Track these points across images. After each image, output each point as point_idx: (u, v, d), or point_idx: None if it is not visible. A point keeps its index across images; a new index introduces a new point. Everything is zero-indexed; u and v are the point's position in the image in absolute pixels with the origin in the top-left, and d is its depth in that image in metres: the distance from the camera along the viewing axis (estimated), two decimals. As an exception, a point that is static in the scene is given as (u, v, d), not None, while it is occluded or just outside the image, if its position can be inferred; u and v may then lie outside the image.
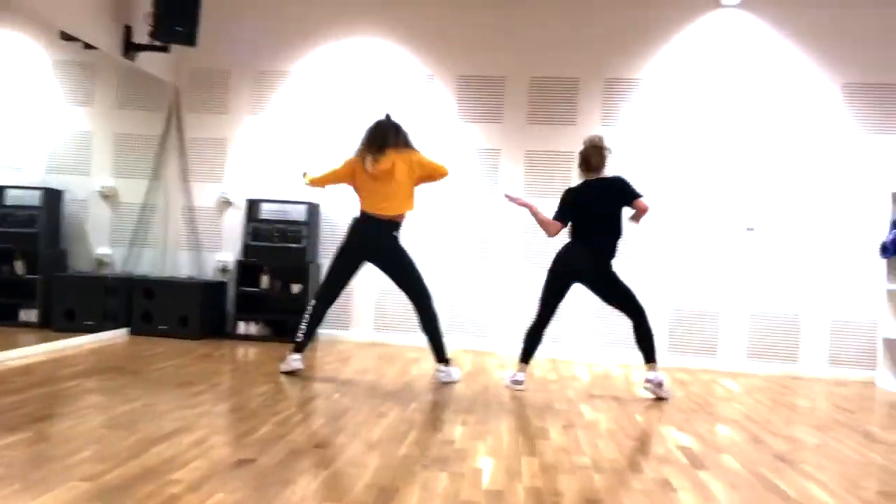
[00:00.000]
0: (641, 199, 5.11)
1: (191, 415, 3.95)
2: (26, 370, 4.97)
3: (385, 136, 5.23)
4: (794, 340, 6.74)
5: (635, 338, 5.25)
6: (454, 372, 5.40)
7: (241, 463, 3.12)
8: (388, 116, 5.40)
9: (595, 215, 5.16)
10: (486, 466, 3.29)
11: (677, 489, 3.11)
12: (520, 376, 5.29)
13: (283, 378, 5.15)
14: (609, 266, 5.24)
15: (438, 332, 5.34)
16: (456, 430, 3.93)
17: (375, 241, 5.27)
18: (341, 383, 5.12)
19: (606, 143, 5.24)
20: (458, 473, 3.16)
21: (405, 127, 5.38)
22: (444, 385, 5.25)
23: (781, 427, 4.53)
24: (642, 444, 3.87)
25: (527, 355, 5.29)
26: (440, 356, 5.34)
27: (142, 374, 5.01)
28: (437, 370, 5.37)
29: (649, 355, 5.23)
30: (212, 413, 4.03)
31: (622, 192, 5.13)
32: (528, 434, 3.96)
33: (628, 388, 5.63)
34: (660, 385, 5.19)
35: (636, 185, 5.17)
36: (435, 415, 4.29)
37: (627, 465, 3.45)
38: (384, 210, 5.21)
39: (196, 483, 2.83)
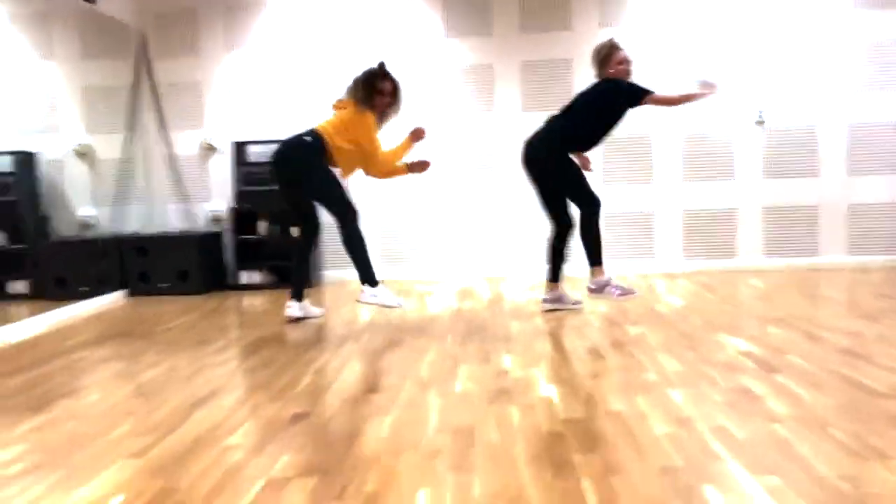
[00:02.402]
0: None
1: (221, 374, 3.69)
2: (31, 344, 4.68)
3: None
4: (812, 231, 6.57)
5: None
6: (383, 295, 4.78)
7: (297, 418, 2.88)
8: (381, 65, 4.81)
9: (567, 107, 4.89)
10: (554, 394, 3.07)
11: (762, 396, 2.92)
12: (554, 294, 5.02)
13: (304, 324, 4.89)
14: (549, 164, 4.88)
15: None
16: (505, 360, 3.70)
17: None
18: (367, 324, 4.87)
19: (602, 44, 4.90)
20: (528, 405, 2.94)
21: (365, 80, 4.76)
22: (380, 308, 4.89)
23: (831, 321, 4.36)
24: (702, 354, 3.67)
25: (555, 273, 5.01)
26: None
27: (154, 336, 4.73)
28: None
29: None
30: (242, 369, 3.79)
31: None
32: (581, 356, 3.75)
33: (656, 297, 5.43)
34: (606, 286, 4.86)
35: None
36: (476, 346, 4.06)
37: (698, 377, 3.25)
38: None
39: (256, 446, 2.58)
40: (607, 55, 4.82)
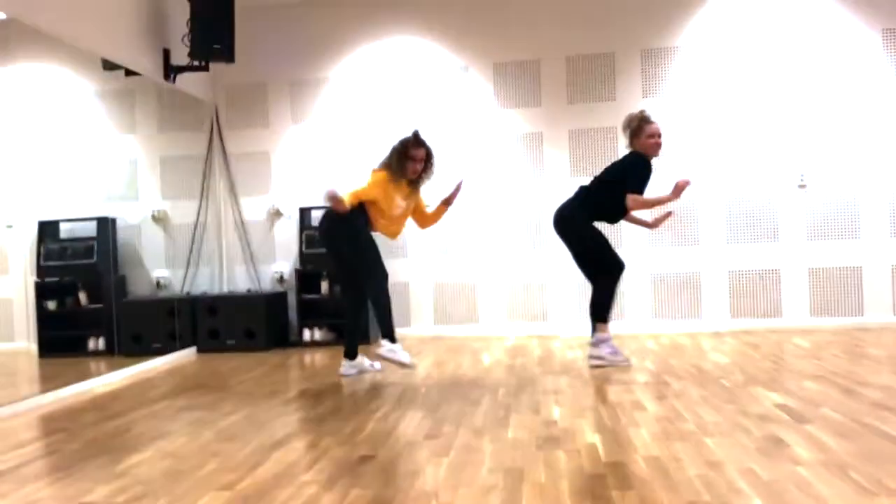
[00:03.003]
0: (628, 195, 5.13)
1: (293, 420, 4.04)
2: (115, 395, 5.09)
3: None
4: (857, 292, 6.74)
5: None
6: (400, 352, 5.06)
7: (363, 459, 3.20)
8: (415, 133, 5.20)
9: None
10: (597, 441, 3.35)
11: (790, 444, 3.16)
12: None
13: (367, 378, 5.24)
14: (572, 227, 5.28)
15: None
16: (554, 411, 3.99)
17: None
18: (423, 377, 5.19)
19: (633, 116, 5.25)
20: (573, 450, 3.22)
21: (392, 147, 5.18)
22: (396, 365, 5.11)
23: (868, 377, 4.55)
24: (739, 407, 3.91)
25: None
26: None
27: (228, 389, 5.11)
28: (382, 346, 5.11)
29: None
30: (311, 417, 4.12)
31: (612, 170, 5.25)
32: (625, 408, 4.01)
33: (702, 355, 5.66)
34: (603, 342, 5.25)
35: (636, 176, 5.15)
36: (527, 398, 4.35)
37: (732, 426, 3.50)
38: None
39: (328, 482, 2.91)
40: (638, 129, 5.15)
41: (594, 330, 5.28)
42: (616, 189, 5.13)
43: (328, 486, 2.86)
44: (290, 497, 2.75)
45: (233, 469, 3.14)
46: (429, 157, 5.15)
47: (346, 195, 4.87)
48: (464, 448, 3.32)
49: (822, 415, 3.63)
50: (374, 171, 5.12)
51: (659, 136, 5.16)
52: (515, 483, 2.81)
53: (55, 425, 4.22)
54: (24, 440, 3.93)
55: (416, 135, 5.13)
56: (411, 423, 3.83)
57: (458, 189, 5.38)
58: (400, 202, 5.13)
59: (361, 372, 5.38)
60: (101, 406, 4.72)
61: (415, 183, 5.19)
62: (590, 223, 5.26)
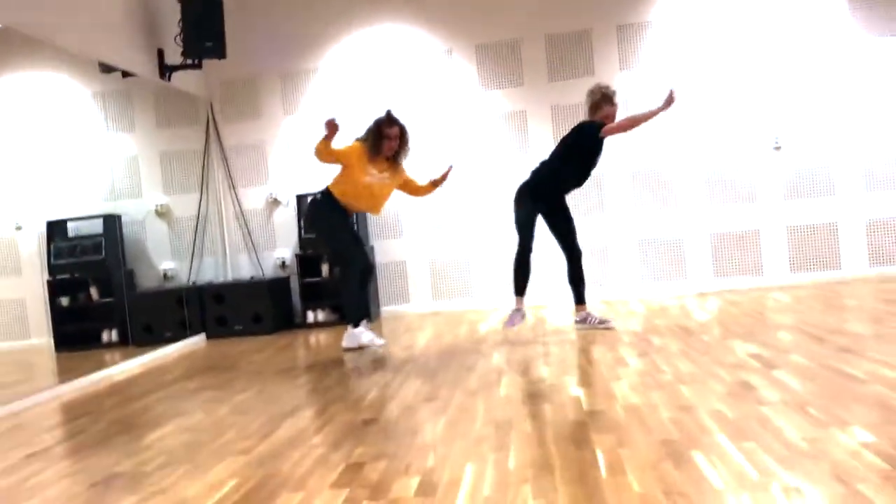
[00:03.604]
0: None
1: (302, 393, 4.34)
2: (132, 382, 5.39)
3: None
4: (834, 247, 7.03)
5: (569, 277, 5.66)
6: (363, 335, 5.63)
7: (367, 422, 3.50)
8: (387, 112, 5.53)
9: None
10: (581, 394, 3.64)
11: (757, 387, 3.45)
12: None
13: (369, 351, 5.53)
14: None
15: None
16: (542, 370, 4.29)
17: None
18: (422, 348, 5.49)
19: (594, 90, 5.47)
20: (559, 403, 3.51)
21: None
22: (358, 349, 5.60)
23: (838, 325, 4.85)
24: (714, 357, 4.20)
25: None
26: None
27: (238, 370, 5.40)
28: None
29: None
30: (319, 389, 4.42)
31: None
32: (609, 364, 4.31)
33: (686, 315, 5.95)
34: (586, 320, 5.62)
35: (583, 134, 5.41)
36: (518, 361, 4.65)
37: (707, 375, 3.79)
38: None
39: (336, 442, 3.20)
40: (597, 104, 5.38)
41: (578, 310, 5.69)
42: (569, 160, 5.42)
43: (335, 446, 3.16)
44: (301, 457, 3.04)
45: (247, 437, 3.43)
46: (403, 134, 5.47)
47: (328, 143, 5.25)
48: (459, 407, 3.62)
49: (791, 361, 3.93)
50: (354, 140, 5.50)
51: (614, 117, 5.38)
52: (505, 433, 3.11)
53: (78, 411, 4.51)
54: (51, 425, 4.23)
55: (388, 114, 5.47)
56: (411, 389, 4.13)
57: (447, 173, 5.70)
58: (372, 171, 5.44)
59: (362, 346, 5.66)
60: (120, 391, 5.02)
61: (394, 159, 5.52)
62: (546, 198, 5.57)
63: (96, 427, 3.99)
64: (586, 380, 3.96)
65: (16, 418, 4.45)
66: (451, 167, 5.77)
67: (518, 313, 5.57)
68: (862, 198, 6.97)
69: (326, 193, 5.50)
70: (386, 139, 5.40)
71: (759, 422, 2.93)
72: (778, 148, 7.07)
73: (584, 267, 5.68)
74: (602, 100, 5.38)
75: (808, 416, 2.93)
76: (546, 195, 5.54)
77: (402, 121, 5.49)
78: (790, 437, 2.72)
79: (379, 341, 5.72)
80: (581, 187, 5.67)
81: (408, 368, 4.76)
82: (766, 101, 7.09)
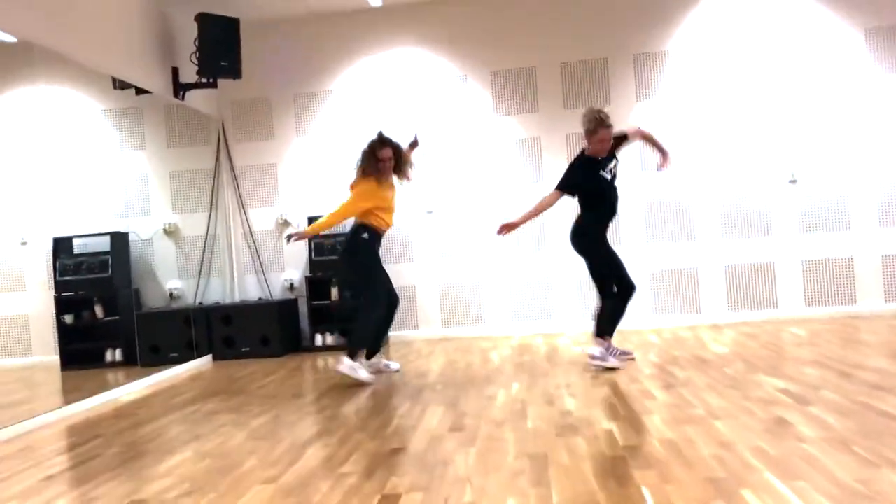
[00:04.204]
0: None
1: (320, 419, 4.24)
2: (141, 403, 5.28)
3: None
4: (849, 282, 6.98)
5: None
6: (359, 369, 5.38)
7: (395, 452, 3.41)
8: (378, 134, 5.54)
9: None
10: (614, 428, 3.56)
11: (794, 423, 3.37)
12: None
13: (382, 378, 5.43)
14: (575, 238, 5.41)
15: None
16: (568, 402, 4.20)
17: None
18: (437, 376, 5.40)
19: (590, 116, 5.17)
20: (591, 436, 3.43)
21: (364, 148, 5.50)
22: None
23: (861, 361, 4.78)
24: (743, 392, 4.12)
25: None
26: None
27: (251, 393, 5.30)
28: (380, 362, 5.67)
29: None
30: (338, 416, 4.32)
31: None
32: (635, 396, 4.23)
33: (703, 346, 5.87)
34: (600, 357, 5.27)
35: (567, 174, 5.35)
36: (540, 391, 4.56)
37: (739, 410, 3.71)
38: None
39: (366, 472, 3.11)
40: (592, 130, 5.12)
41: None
42: (576, 193, 5.31)
43: (366, 475, 3.06)
44: (332, 487, 2.95)
45: (272, 465, 3.34)
46: (396, 152, 5.48)
47: (344, 209, 5.41)
48: (487, 438, 3.53)
49: (823, 397, 3.85)
50: (360, 179, 5.45)
51: (609, 140, 5.16)
52: (541, 467, 3.02)
53: (90, 432, 4.40)
54: (63, 447, 4.12)
55: (379, 135, 5.50)
56: (434, 418, 4.04)
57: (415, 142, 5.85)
58: (388, 195, 5.52)
59: (378, 371, 5.57)
60: (130, 413, 4.91)
61: (398, 172, 5.54)
62: (583, 237, 5.36)
63: (110, 451, 3.89)
64: (615, 413, 3.88)
65: (26, 438, 4.35)
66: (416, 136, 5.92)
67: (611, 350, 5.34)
68: (877, 233, 6.93)
69: (365, 227, 5.45)
70: (381, 161, 5.43)
71: (804, 460, 2.85)
72: (794, 181, 7.04)
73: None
74: (597, 125, 5.11)
75: (855, 456, 2.85)
76: (587, 236, 5.39)
77: (395, 139, 5.51)
78: (841, 476, 2.64)
79: (394, 366, 5.65)
80: (614, 200, 5.44)
81: (426, 396, 4.67)
82: (783, 135, 7.07)
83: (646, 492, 2.63)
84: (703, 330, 6.80)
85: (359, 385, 5.21)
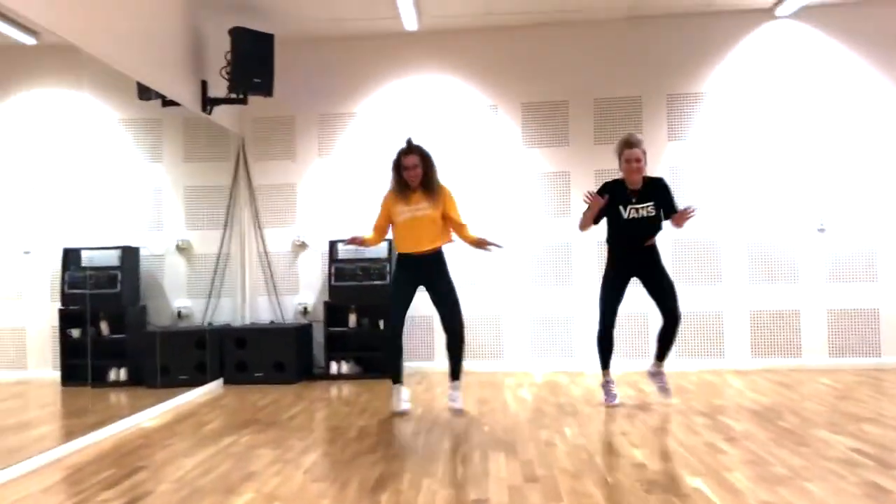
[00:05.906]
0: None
1: (375, 459, 4.05)
2: (168, 430, 5.04)
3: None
4: (874, 333, 6.95)
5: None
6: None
7: (478, 502, 3.24)
8: (407, 141, 5.38)
9: None
10: (701, 485, 3.42)
11: (892, 491, 3.26)
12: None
13: (420, 411, 5.26)
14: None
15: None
16: (636, 452, 4.06)
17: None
18: (476, 414, 5.23)
19: (622, 139, 5.37)
20: (684, 495, 3.29)
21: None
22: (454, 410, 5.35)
23: (919, 420, 4.71)
24: (814, 450, 4.01)
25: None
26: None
27: (284, 426, 5.08)
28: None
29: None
30: (389, 456, 4.13)
31: None
32: (702, 449, 4.09)
33: (739, 394, 5.78)
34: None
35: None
36: (599, 439, 4.42)
37: (824, 471, 3.59)
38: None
39: (460, 528, 2.93)
40: (619, 151, 5.28)
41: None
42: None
43: (462, 531, 2.89)
44: (432, 543, 2.77)
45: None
46: (424, 159, 5.30)
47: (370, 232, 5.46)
48: (572, 493, 3.37)
49: (903, 460, 3.76)
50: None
51: (637, 161, 5.21)
52: (651, 530, 2.87)
53: (128, 463, 4.16)
54: (108, 479, 3.86)
55: (408, 142, 5.35)
56: (499, 464, 3.88)
57: (493, 245, 5.50)
58: (402, 209, 5.30)
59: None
60: (160, 442, 4.67)
61: (425, 186, 5.31)
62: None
63: (160, 487, 3.66)
64: (694, 468, 3.74)
65: (60, 466, 4.11)
66: (501, 247, 5.63)
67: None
68: (901, 286, 6.94)
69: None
70: (406, 170, 5.27)
71: (927, 534, 2.74)
72: (822, 230, 7.02)
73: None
74: (622, 145, 5.28)
75: (979, 532, 2.74)
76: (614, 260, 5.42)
77: (423, 146, 5.36)
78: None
79: (403, 406, 5.40)
80: (631, 238, 5.42)
81: (475, 437, 4.51)
82: (813, 182, 7.05)
83: (784, 566, 2.50)
84: (727, 375, 6.71)
85: (391, 419, 5.04)
